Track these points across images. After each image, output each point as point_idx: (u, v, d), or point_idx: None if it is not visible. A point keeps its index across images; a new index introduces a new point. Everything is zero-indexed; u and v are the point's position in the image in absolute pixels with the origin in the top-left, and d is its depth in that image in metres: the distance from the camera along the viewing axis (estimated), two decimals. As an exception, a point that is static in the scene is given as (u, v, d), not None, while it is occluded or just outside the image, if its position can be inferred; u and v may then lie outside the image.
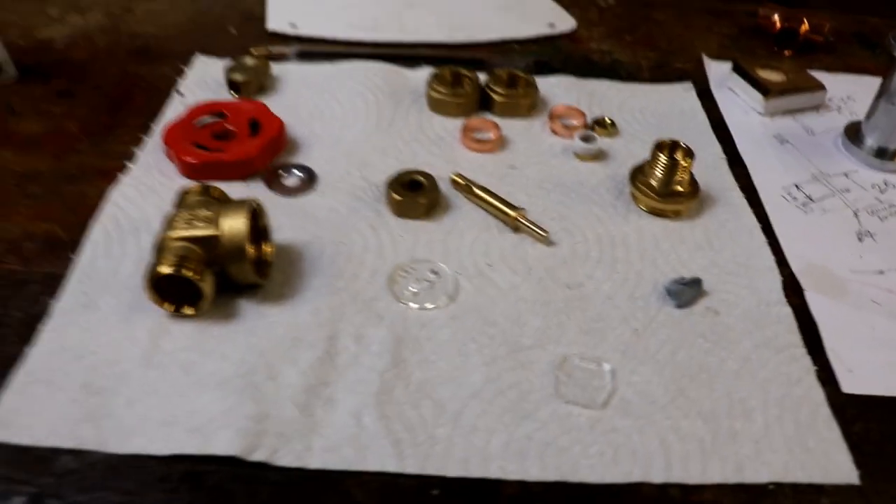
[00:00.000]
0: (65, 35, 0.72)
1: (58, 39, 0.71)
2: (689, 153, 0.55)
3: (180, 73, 0.67)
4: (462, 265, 0.50)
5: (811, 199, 0.59)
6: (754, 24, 0.81)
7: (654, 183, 0.54)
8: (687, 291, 0.48)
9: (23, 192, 0.53)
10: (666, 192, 0.54)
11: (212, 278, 0.44)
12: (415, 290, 0.47)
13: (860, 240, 0.56)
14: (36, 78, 0.66)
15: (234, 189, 0.54)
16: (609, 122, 0.63)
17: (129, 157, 0.57)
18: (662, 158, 0.54)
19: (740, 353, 0.46)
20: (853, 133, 0.65)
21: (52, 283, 0.47)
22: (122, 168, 0.56)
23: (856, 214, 0.58)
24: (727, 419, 0.42)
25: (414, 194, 0.52)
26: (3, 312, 0.45)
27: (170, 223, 0.45)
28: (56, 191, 0.54)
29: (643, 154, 0.60)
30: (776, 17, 0.78)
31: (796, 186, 0.60)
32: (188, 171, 0.55)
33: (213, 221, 0.44)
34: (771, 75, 0.69)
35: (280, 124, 0.57)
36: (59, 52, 0.70)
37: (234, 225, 0.44)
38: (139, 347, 0.43)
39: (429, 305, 0.47)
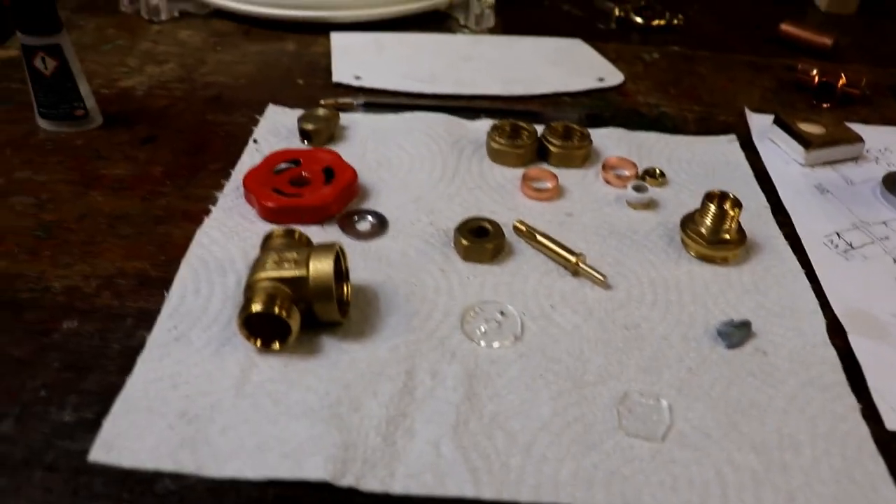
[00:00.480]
0: (144, 84, 0.77)
1: (138, 88, 0.76)
2: (736, 203, 0.58)
3: (253, 121, 0.71)
4: (527, 306, 0.53)
5: (852, 247, 0.62)
6: (793, 79, 0.84)
7: (703, 231, 0.57)
8: (737, 333, 0.51)
9: (114, 233, 0.57)
10: (715, 239, 0.57)
11: (298, 316, 0.48)
12: (484, 330, 0.51)
13: (900, 286, 0.58)
14: (120, 124, 0.70)
15: (311, 232, 0.57)
16: (659, 172, 0.66)
17: (211, 200, 0.61)
18: (712, 208, 0.57)
19: (788, 390, 0.48)
20: (891, 183, 0.67)
21: (145, 318, 0.50)
22: (205, 210, 0.60)
23: (895, 261, 0.61)
24: (777, 451, 0.44)
25: (481, 240, 0.56)
26: (103, 344, 0.48)
27: (260, 264, 0.49)
28: (145, 231, 0.58)
29: (691, 203, 0.64)
30: (814, 72, 0.82)
31: (837, 234, 0.63)
32: (267, 214, 0.59)
33: (301, 263, 0.48)
34: (811, 128, 0.72)
35: (353, 172, 0.61)
36: (139, 99, 0.74)
37: (321, 267, 0.48)
38: (230, 379, 0.46)
39: (497, 344, 0.50)
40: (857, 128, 0.75)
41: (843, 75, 0.81)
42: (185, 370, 0.47)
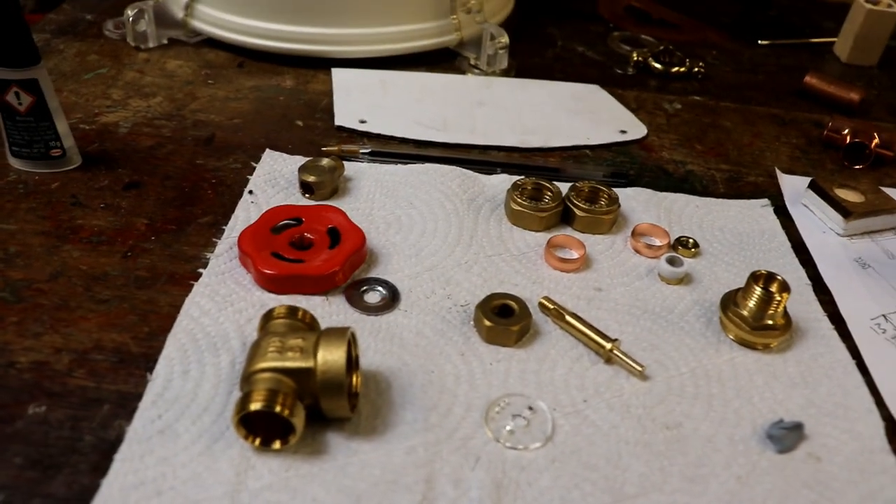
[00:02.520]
0: (128, 120, 0.71)
1: (121, 125, 0.70)
2: (784, 287, 0.53)
3: (248, 167, 0.65)
4: (557, 400, 0.47)
5: (900, 332, 0.57)
6: (822, 136, 0.80)
7: (746, 314, 0.52)
8: (789, 436, 0.46)
9: (91, 296, 0.51)
10: (759, 325, 0.52)
11: (303, 413, 0.42)
12: (511, 429, 0.45)
13: (955, 378, 0.54)
14: (100, 166, 0.64)
15: (314, 303, 0.52)
16: (692, 242, 0.61)
17: (201, 261, 0.55)
18: (758, 291, 0.52)
19: (847, 504, 0.43)
20: (935, 259, 0.63)
21: (124, 403, 0.44)
22: (194, 274, 0.53)
23: (946, 349, 0.56)
24: (839, 578, 0.39)
25: (506, 321, 0.50)
26: (75, 436, 0.42)
27: (259, 352, 0.43)
28: (126, 296, 0.51)
29: (727, 276, 0.59)
30: (846, 130, 0.77)
31: (884, 317, 0.58)
32: (265, 282, 0.52)
33: (308, 352, 0.42)
34: (849, 195, 0.67)
35: (361, 235, 0.55)
36: (122, 138, 0.68)
37: (331, 358, 0.42)
38: (223, 485, 0.40)
39: (524, 446, 0.44)
40: (894, 193, 0.71)
41: (875, 135, 0.76)
42: (171, 472, 0.41)
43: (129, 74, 0.78)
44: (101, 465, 0.41)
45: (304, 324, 0.46)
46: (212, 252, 0.56)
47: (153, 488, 0.40)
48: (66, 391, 0.45)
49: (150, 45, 0.83)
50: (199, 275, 0.53)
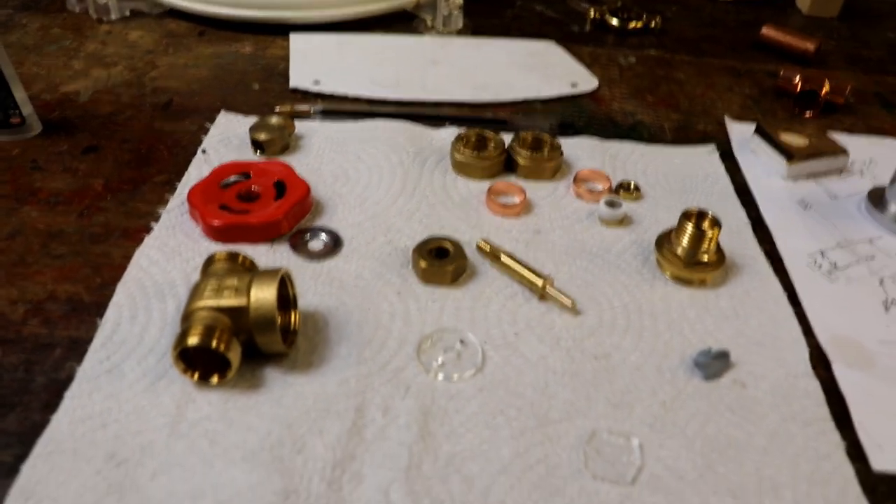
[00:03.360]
0: (89, 89, 0.72)
1: (82, 93, 0.72)
2: (715, 223, 0.54)
3: (204, 129, 0.67)
4: (489, 334, 0.49)
5: (836, 267, 0.58)
6: (775, 86, 0.81)
7: (679, 252, 0.54)
8: (715, 364, 0.48)
9: (47, 252, 0.53)
10: (692, 261, 0.54)
11: (239, 348, 0.44)
12: (442, 361, 0.47)
13: (886, 309, 0.55)
14: (60, 133, 0.66)
15: (259, 252, 0.54)
16: (633, 186, 0.62)
17: (154, 216, 0.57)
18: (689, 228, 0.53)
19: (768, 427, 0.45)
20: (877, 198, 0.64)
21: (75, 348, 0.46)
22: (146, 228, 0.55)
23: (881, 283, 0.57)
24: (756, 496, 0.41)
25: (441, 262, 0.52)
26: (28, 378, 0.44)
27: (198, 291, 0.45)
28: (80, 251, 0.54)
29: (667, 219, 0.60)
30: (797, 79, 0.78)
31: (821, 254, 0.60)
32: (212, 233, 0.54)
33: (242, 291, 0.44)
34: (794, 139, 0.69)
35: (306, 187, 0.57)
36: (82, 106, 0.70)
37: (263, 296, 0.43)
38: (164, 416, 0.42)
39: (456, 376, 0.46)
40: (841, 138, 0.72)
41: (826, 83, 0.77)
42: (117, 406, 0.43)
43: (90, 46, 0.80)
44: (52, 403, 0.43)
45: (244, 268, 0.48)
46: (164, 208, 0.58)
47: (99, 421, 0.42)
48: (20, 338, 0.47)
49: (113, 17, 0.85)
50: (151, 229, 0.55)
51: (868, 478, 0.43)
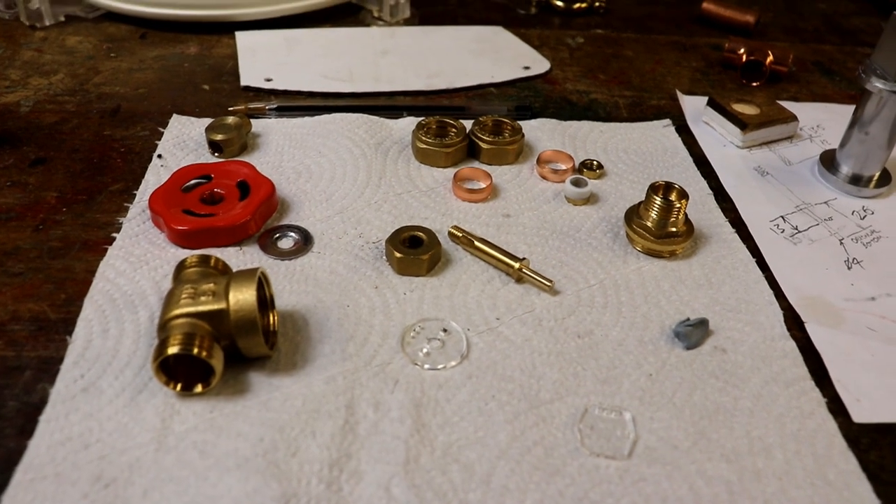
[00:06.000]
0: (29, 99, 0.70)
1: (22, 104, 0.69)
2: (682, 194, 0.55)
3: (157, 134, 0.65)
4: (471, 321, 0.49)
5: (797, 230, 0.60)
6: (721, 58, 0.82)
7: (649, 224, 0.54)
8: (695, 333, 0.48)
9: (4, 271, 0.51)
10: (662, 233, 0.54)
11: (221, 354, 0.43)
12: (427, 351, 0.47)
13: (849, 267, 0.57)
14: (4, 146, 0.63)
15: (229, 255, 0.53)
16: (596, 164, 0.63)
17: (114, 226, 0.55)
18: (657, 201, 0.54)
19: (752, 389, 0.46)
20: (828, 162, 0.66)
21: (46, 368, 0.44)
22: (108, 239, 0.54)
23: (841, 242, 0.59)
24: (749, 457, 0.42)
25: (416, 252, 0.51)
26: (-2, 403, 0.43)
27: (173, 299, 0.43)
28: (40, 267, 0.51)
29: (632, 194, 0.61)
30: (742, 50, 0.80)
31: (783, 218, 0.61)
32: (179, 238, 0.53)
33: (220, 295, 0.43)
34: (745, 109, 0.70)
35: (270, 185, 0.56)
36: (24, 117, 0.67)
37: (242, 297, 0.42)
38: (149, 431, 0.41)
39: (441, 366, 0.46)
40: (789, 105, 0.74)
41: (770, 53, 0.79)
42: (97, 425, 0.41)
43: (26, 54, 0.77)
44: (27, 428, 0.41)
45: (217, 270, 0.47)
46: (124, 217, 0.56)
47: (80, 443, 0.40)
48: (-15, 363, 0.45)
49: (47, 22, 0.82)
50: (113, 239, 0.54)
51: (850, 430, 0.44)
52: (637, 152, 0.67)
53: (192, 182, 0.57)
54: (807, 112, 0.75)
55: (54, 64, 0.76)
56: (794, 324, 0.51)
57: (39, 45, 0.79)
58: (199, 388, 0.43)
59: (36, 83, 0.72)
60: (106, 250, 0.53)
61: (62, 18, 0.84)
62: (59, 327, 0.47)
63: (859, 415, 0.45)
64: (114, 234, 0.54)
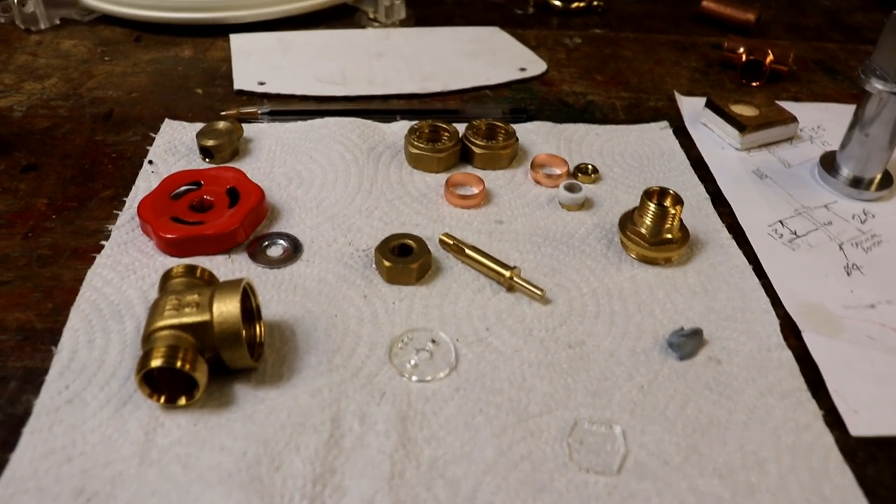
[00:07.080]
0: (22, 104, 0.69)
1: (16, 109, 0.69)
2: (677, 200, 0.54)
3: (148, 139, 0.65)
4: (460, 331, 0.48)
5: (796, 235, 0.59)
6: (720, 57, 0.81)
7: (644, 231, 0.54)
8: (689, 343, 0.48)
9: (-8, 279, 0.51)
10: (657, 240, 0.53)
11: (205, 367, 0.42)
12: (415, 363, 0.46)
13: (848, 273, 0.56)
14: (-5, 152, 0.63)
15: (217, 263, 0.52)
16: (591, 168, 0.62)
17: (104, 234, 0.54)
18: (652, 207, 0.53)
19: (746, 401, 0.45)
20: (828, 164, 0.65)
21: (31, 379, 0.44)
22: (96, 247, 0.53)
23: (841, 247, 0.58)
24: (742, 473, 0.41)
25: (405, 260, 0.51)
26: (-19, 416, 0.42)
27: (157, 310, 0.43)
28: (28, 276, 0.51)
29: (627, 199, 0.60)
30: (741, 49, 0.79)
31: (781, 223, 0.60)
32: (167, 246, 0.52)
33: (204, 306, 0.42)
34: (744, 110, 0.69)
35: (260, 193, 0.55)
36: (17, 122, 0.67)
37: (226, 309, 0.42)
38: (133, 444, 0.41)
39: (429, 378, 0.45)
40: (789, 106, 0.72)
41: (770, 52, 0.78)
42: (81, 438, 0.41)
43: (21, 58, 0.77)
44: (9, 441, 0.41)
45: (203, 281, 0.47)
46: (114, 224, 0.55)
47: (63, 455, 0.40)
48: (-31, 374, 0.45)
49: (42, 26, 0.82)
50: (102, 247, 0.53)
51: (847, 444, 0.43)
52: (633, 155, 0.66)
53: (182, 189, 0.57)
54: (807, 112, 0.74)
55: (48, 68, 0.75)
56: (792, 332, 0.50)
57: (34, 48, 0.79)
58: (182, 401, 0.42)
59: (29, 88, 0.72)
60: (94, 258, 0.52)
61: (57, 22, 0.84)
62: (45, 337, 0.47)
63: (856, 427, 0.44)
64: (102, 242, 0.54)
